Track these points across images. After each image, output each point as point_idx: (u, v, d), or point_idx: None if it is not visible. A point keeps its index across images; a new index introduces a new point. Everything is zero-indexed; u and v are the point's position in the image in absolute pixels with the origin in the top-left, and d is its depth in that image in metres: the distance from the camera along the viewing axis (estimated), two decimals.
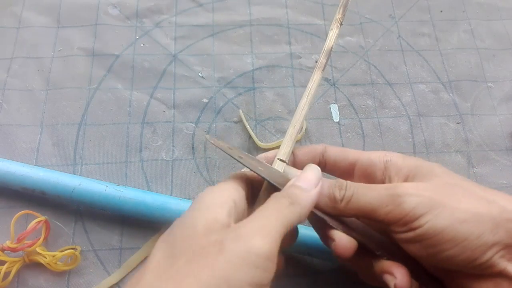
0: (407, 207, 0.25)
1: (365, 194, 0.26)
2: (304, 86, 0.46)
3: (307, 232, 0.36)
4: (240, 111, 0.44)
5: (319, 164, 0.31)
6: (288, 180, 0.28)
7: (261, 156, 0.31)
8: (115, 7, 0.50)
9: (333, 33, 0.33)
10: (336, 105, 0.46)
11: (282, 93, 0.46)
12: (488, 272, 0.25)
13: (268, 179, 0.27)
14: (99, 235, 0.38)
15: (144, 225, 0.38)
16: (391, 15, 0.52)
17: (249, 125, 0.43)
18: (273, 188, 0.28)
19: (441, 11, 0.53)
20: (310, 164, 0.28)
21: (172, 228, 0.25)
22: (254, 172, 0.28)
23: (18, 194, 0.38)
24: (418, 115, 0.46)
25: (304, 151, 0.31)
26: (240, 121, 0.44)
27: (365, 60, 0.49)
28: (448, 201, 0.25)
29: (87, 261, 0.37)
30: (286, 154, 0.30)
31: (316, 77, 0.32)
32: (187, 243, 0.23)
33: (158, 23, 0.49)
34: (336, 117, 0.45)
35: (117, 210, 0.37)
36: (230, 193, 0.26)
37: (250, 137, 0.43)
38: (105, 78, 0.46)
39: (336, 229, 0.27)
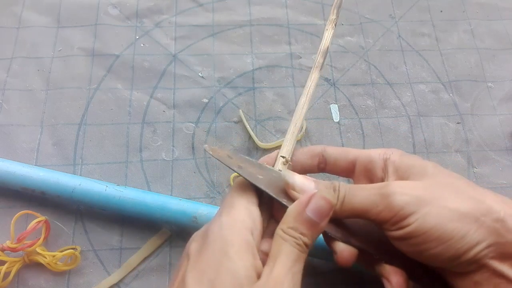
0: (396, 206, 0.25)
1: (356, 195, 0.27)
2: (304, 86, 0.46)
3: None
4: (240, 111, 0.44)
5: (318, 164, 0.31)
6: (288, 185, 0.28)
7: (263, 159, 0.31)
8: (115, 7, 0.50)
9: (328, 34, 0.34)
10: (336, 105, 0.46)
11: (282, 93, 0.46)
12: (470, 269, 0.25)
13: (268, 191, 0.28)
14: (99, 235, 0.38)
15: (144, 225, 0.38)
16: (391, 15, 0.52)
17: (249, 125, 0.43)
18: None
19: (441, 11, 0.53)
20: (323, 189, 0.27)
21: (206, 269, 0.25)
22: (254, 184, 0.28)
23: (18, 194, 0.38)
24: (418, 115, 0.46)
25: (303, 151, 0.32)
26: (240, 121, 0.44)
27: (365, 60, 0.49)
28: (436, 200, 0.25)
29: (87, 261, 0.37)
30: (289, 151, 0.30)
31: (314, 76, 0.33)
32: None
33: (158, 23, 0.49)
34: (336, 117, 0.45)
35: (117, 210, 0.37)
36: (247, 225, 0.26)
37: (250, 137, 0.43)
38: (105, 78, 0.46)
39: (335, 238, 0.28)
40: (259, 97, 0.46)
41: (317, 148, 0.31)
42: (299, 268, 0.25)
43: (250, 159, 0.30)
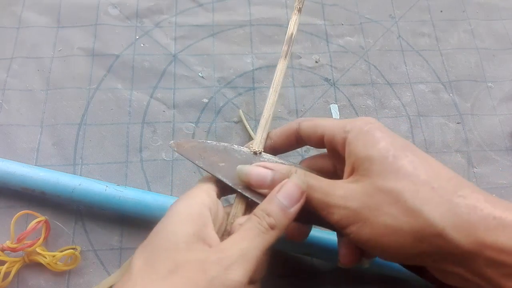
0: (335, 218, 0.26)
1: (315, 184, 0.28)
2: (304, 86, 0.47)
3: None
4: (240, 111, 0.44)
5: (296, 141, 0.32)
6: (244, 182, 0.29)
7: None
8: (115, 7, 0.50)
9: (292, 21, 0.34)
10: (336, 105, 0.46)
11: (282, 93, 0.46)
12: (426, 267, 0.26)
13: (226, 181, 0.29)
14: (99, 235, 0.38)
15: (144, 225, 0.38)
16: (391, 15, 0.52)
17: (249, 125, 0.43)
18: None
19: (441, 11, 0.53)
20: (295, 176, 0.28)
21: (151, 238, 0.26)
22: (215, 177, 0.29)
23: (18, 194, 0.38)
24: (418, 115, 0.46)
25: (279, 133, 0.32)
26: (240, 121, 0.44)
27: (365, 60, 0.49)
28: (372, 213, 0.25)
29: (87, 261, 0.37)
30: (258, 144, 0.31)
31: (280, 66, 0.33)
32: (169, 254, 0.24)
33: (158, 23, 0.49)
34: (336, 117, 0.45)
35: (117, 210, 0.37)
36: (204, 201, 0.27)
37: (250, 137, 0.43)
38: (105, 78, 0.46)
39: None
40: (259, 97, 0.46)
41: (292, 127, 0.32)
42: (256, 245, 0.25)
43: (218, 143, 0.31)
